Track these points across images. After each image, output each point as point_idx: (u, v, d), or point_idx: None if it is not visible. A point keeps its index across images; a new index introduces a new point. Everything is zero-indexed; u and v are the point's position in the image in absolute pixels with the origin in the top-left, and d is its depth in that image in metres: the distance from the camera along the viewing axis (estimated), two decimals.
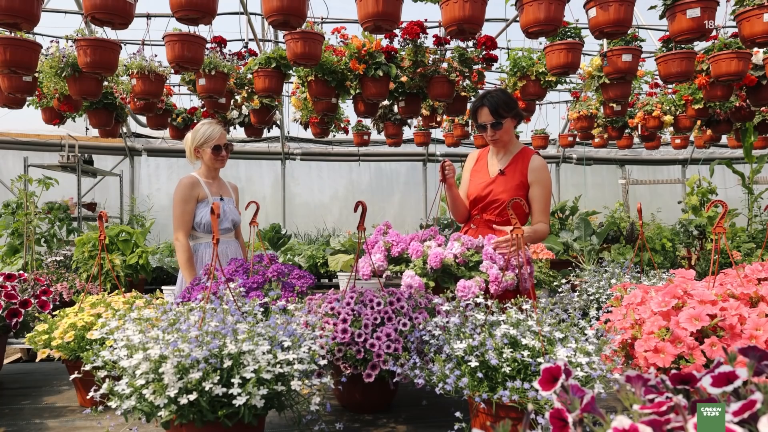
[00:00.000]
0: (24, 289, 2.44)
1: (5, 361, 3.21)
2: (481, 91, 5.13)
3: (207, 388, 1.24)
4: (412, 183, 9.76)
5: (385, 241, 2.24)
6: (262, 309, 1.71)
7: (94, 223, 6.85)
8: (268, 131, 6.94)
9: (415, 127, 7.75)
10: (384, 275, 2.19)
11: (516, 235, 1.60)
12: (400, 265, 2.20)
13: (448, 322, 1.61)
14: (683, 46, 4.13)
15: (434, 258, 2.11)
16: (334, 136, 7.23)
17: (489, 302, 1.65)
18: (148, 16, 4.46)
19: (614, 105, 5.77)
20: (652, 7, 3.69)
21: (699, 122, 6.69)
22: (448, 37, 4.30)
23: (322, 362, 1.50)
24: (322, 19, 4.49)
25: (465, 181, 2.89)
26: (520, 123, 2.83)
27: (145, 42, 4.51)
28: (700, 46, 4.66)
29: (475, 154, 2.95)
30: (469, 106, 5.86)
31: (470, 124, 7.94)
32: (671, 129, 6.95)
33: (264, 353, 1.33)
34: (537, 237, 2.64)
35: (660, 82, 5.86)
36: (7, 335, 2.35)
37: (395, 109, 6.00)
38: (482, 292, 2.00)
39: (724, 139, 8.39)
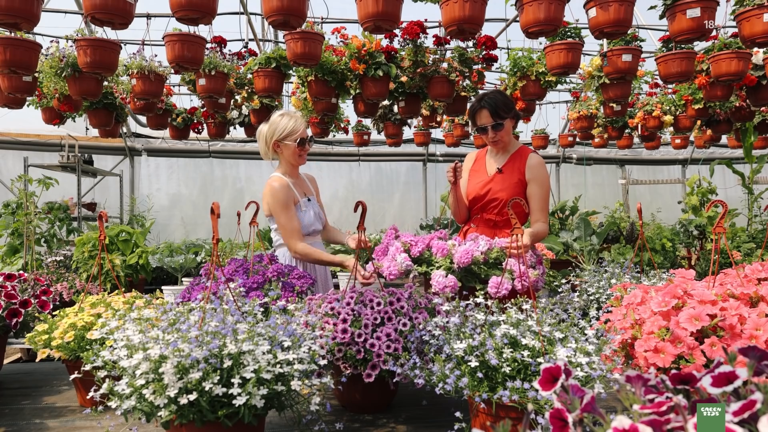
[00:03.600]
0: (24, 289, 2.44)
1: (5, 361, 3.21)
2: (480, 92, 5.14)
3: (207, 388, 1.24)
4: (412, 183, 9.76)
5: (403, 242, 2.21)
6: (262, 309, 1.71)
7: (94, 223, 6.86)
8: None
9: (415, 127, 7.75)
10: (411, 275, 2.16)
11: (517, 236, 1.60)
12: (422, 266, 2.17)
13: (448, 322, 1.61)
14: (683, 46, 4.13)
15: (464, 255, 2.06)
16: (334, 136, 7.23)
17: (489, 302, 1.65)
18: (148, 16, 4.46)
19: (614, 105, 5.77)
20: (652, 7, 3.69)
21: (699, 122, 6.69)
22: (448, 37, 4.30)
23: (322, 362, 1.49)
24: (322, 19, 4.49)
25: (464, 182, 2.89)
26: (518, 123, 2.84)
27: (145, 42, 4.51)
28: (700, 46, 4.66)
29: (474, 155, 2.96)
30: (468, 106, 5.86)
31: (469, 124, 7.94)
32: (671, 129, 6.95)
33: (264, 353, 1.33)
34: (538, 238, 2.64)
35: (660, 82, 5.86)
36: (7, 335, 2.35)
37: (395, 109, 6.00)
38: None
39: (724, 139, 8.39)
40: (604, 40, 4.10)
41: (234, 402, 1.24)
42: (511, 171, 2.72)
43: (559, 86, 5.27)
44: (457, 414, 1.34)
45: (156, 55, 4.47)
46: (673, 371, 0.79)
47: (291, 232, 2.62)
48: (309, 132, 2.73)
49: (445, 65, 4.56)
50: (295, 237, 2.62)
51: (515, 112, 2.73)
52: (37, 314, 2.25)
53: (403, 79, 4.60)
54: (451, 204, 2.80)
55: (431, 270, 2.13)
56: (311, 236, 2.76)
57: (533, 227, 2.63)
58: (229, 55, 4.84)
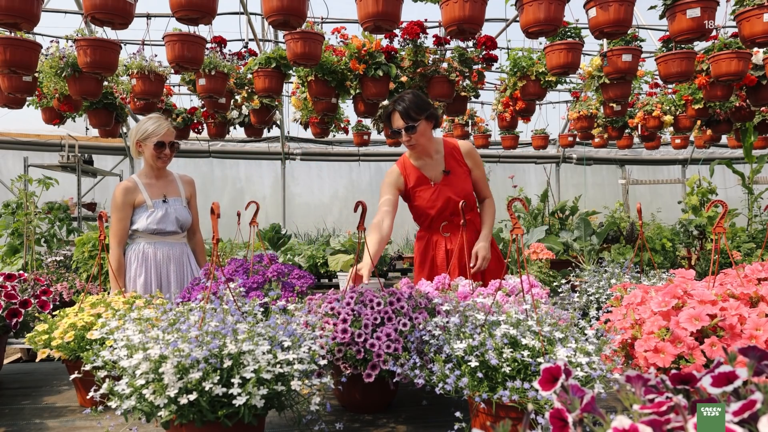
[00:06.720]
0: (24, 289, 2.44)
1: (5, 361, 3.21)
2: (479, 91, 5.14)
3: (207, 388, 1.24)
4: None
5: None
6: (262, 309, 1.71)
7: (94, 223, 6.85)
8: (268, 131, 6.95)
9: None
10: None
11: (517, 236, 1.60)
12: None
13: (448, 322, 1.61)
14: (683, 46, 4.13)
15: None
16: (334, 136, 7.23)
17: (489, 302, 1.65)
18: (148, 16, 4.47)
19: (614, 105, 5.77)
20: (652, 7, 3.69)
21: (699, 122, 6.69)
22: (448, 37, 4.30)
23: (322, 362, 1.49)
24: (322, 19, 4.50)
25: (392, 197, 2.75)
26: (437, 124, 2.76)
27: (145, 42, 4.51)
28: (700, 46, 4.66)
29: (396, 170, 2.80)
30: (468, 106, 5.86)
31: (469, 124, 7.94)
32: (671, 129, 6.95)
33: (264, 353, 1.33)
34: (494, 217, 2.82)
35: (660, 82, 5.86)
36: (7, 335, 2.35)
37: None
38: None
39: (724, 139, 8.39)
40: (604, 40, 4.10)
41: (234, 402, 1.24)
42: (456, 168, 2.75)
43: (559, 86, 5.28)
44: (457, 414, 1.34)
45: (156, 55, 4.47)
46: (673, 371, 0.79)
47: (114, 234, 2.75)
48: (171, 138, 2.91)
49: (445, 65, 4.56)
50: (115, 240, 2.75)
51: (431, 112, 2.63)
52: (37, 314, 2.25)
53: (403, 79, 4.60)
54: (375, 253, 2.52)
55: None
56: (159, 236, 2.83)
57: (486, 206, 2.83)
58: (229, 55, 4.84)
